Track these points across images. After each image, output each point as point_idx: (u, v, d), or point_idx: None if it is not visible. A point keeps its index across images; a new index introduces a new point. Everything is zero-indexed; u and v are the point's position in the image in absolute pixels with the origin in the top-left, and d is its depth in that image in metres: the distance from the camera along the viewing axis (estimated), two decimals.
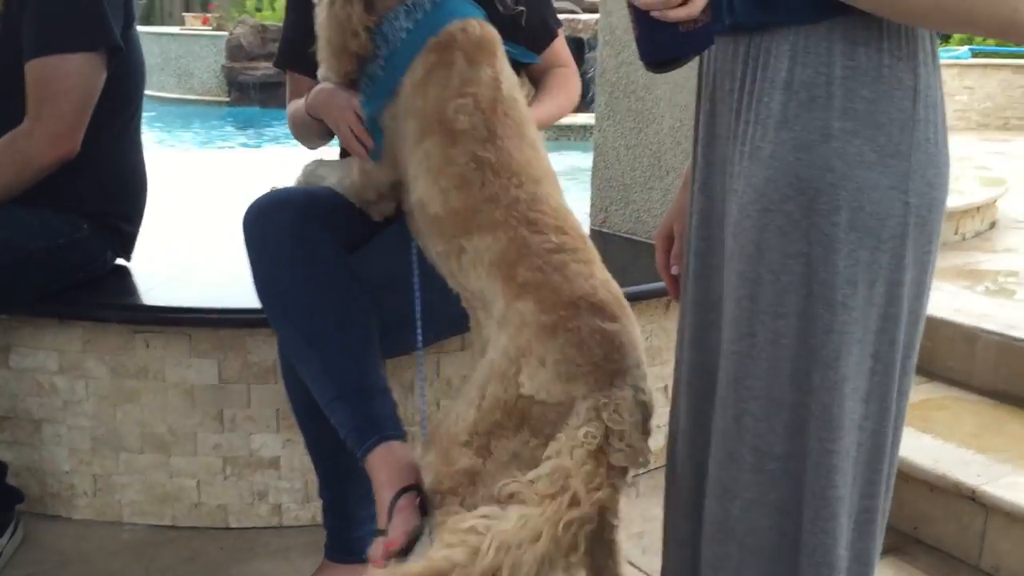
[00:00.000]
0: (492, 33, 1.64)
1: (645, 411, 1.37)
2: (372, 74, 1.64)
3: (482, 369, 1.41)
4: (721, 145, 1.19)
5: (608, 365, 1.33)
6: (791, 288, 1.09)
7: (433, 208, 1.52)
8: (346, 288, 1.67)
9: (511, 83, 1.61)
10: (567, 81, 2.06)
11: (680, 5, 1.01)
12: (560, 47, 2.09)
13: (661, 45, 1.06)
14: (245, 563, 2.06)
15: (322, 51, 1.67)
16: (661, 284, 2.52)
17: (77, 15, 1.98)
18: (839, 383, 1.08)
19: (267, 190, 1.87)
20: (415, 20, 1.60)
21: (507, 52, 1.68)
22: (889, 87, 1.06)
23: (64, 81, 1.96)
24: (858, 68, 1.06)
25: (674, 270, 1.42)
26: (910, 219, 1.08)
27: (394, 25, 1.61)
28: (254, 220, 1.72)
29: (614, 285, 1.46)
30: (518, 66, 1.76)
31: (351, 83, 1.69)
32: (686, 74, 2.72)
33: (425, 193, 1.53)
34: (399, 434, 1.62)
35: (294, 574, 2.01)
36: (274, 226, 1.69)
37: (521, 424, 1.34)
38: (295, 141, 2.02)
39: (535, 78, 2.03)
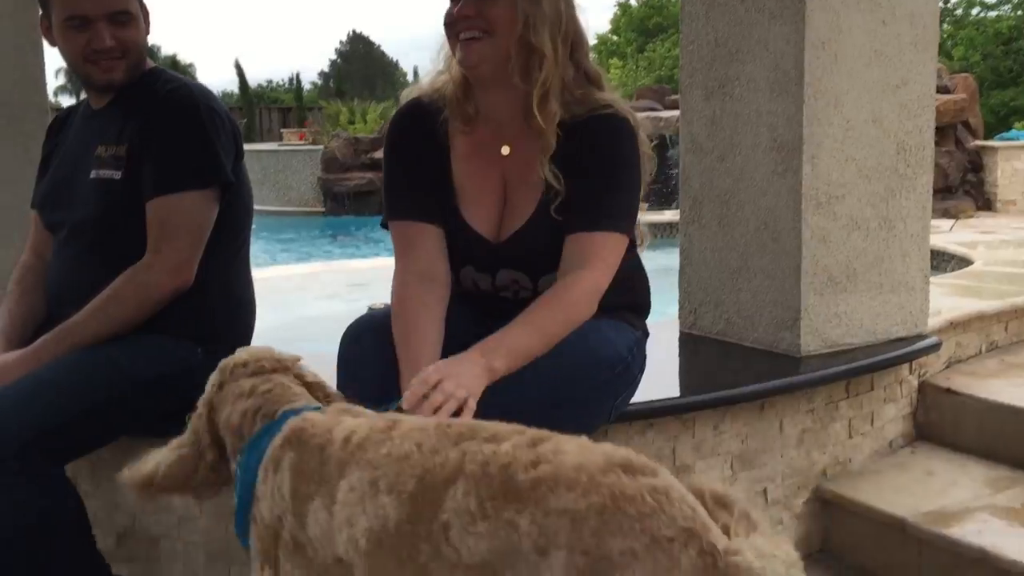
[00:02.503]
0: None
1: None
2: None
3: None
4: None
5: None
6: None
7: None
8: None
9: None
10: (567, 294, 1.82)
11: None
12: (600, 244, 1.86)
13: None
14: None
15: None
16: (754, 387, 2.55)
17: (193, 155, 2.14)
18: None
19: (363, 311, 1.97)
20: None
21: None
22: None
23: (181, 217, 2.12)
24: None
25: None
26: None
27: None
28: (344, 352, 1.84)
29: None
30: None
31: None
32: (769, 177, 2.78)
33: None
34: None
35: None
36: (360, 366, 1.76)
37: None
38: (388, 247, 2.06)
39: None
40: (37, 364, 2.02)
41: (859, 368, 2.73)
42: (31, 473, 1.89)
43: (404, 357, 1.79)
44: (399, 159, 2.03)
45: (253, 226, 2.45)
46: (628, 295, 2.06)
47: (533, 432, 1.30)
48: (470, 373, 1.64)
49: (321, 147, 13.89)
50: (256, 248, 2.55)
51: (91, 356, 2.04)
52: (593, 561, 1.12)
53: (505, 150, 1.95)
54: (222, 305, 2.28)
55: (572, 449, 1.24)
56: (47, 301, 2.25)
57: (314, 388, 1.67)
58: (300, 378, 1.66)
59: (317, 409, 1.56)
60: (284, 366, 1.66)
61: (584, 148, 1.88)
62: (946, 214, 7.91)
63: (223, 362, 1.68)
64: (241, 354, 1.70)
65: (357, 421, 1.45)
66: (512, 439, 1.28)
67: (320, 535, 1.40)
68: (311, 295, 4.67)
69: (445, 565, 1.25)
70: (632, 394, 2.08)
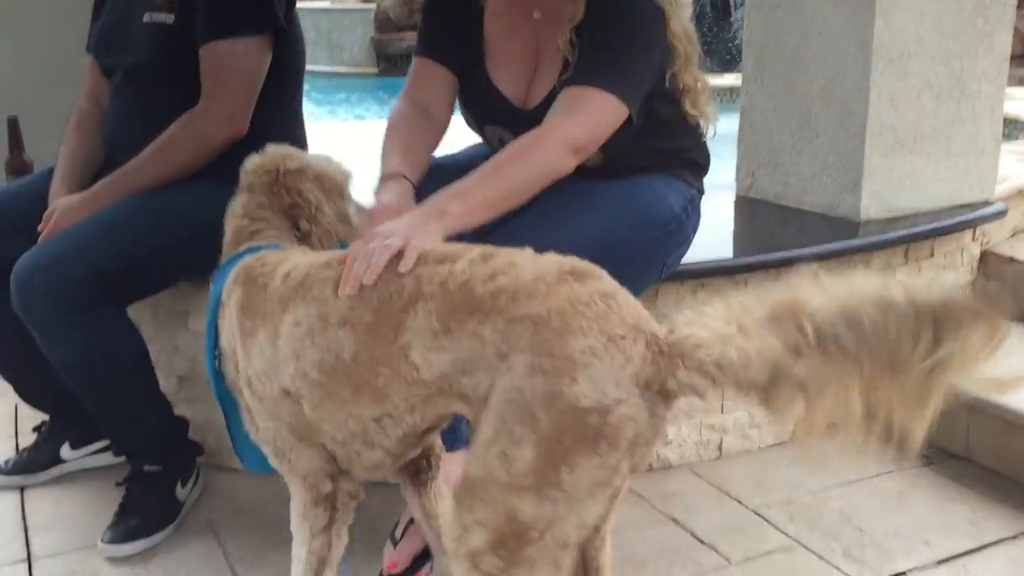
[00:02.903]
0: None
1: None
2: None
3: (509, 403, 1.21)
4: None
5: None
6: None
7: None
8: None
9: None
10: (538, 140, 1.67)
11: None
12: (589, 98, 1.72)
13: None
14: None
15: None
16: (809, 249, 2.51)
17: (244, 0, 2.11)
18: None
19: None
20: None
21: None
22: None
23: (235, 64, 2.09)
24: None
25: None
26: None
27: None
28: None
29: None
30: None
31: None
32: (839, 32, 2.66)
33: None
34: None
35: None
36: None
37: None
38: None
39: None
40: (97, 207, 2.05)
41: (919, 234, 2.67)
42: (94, 313, 1.95)
43: (384, 167, 1.80)
44: (433, 2, 2.03)
45: (306, 86, 2.42)
46: (685, 153, 2.02)
47: (480, 248, 1.33)
48: (415, 223, 1.48)
49: (374, 6, 13.61)
50: (307, 108, 2.54)
51: (150, 200, 2.07)
52: (557, 361, 1.17)
53: (536, 14, 1.90)
54: None
55: (524, 261, 1.28)
56: (104, 145, 2.27)
57: (303, 208, 1.70)
58: (298, 194, 1.70)
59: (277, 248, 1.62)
60: (288, 172, 1.72)
61: (604, 18, 1.79)
62: (1022, 82, 7.57)
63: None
64: (254, 158, 1.74)
65: (299, 259, 1.50)
66: (464, 256, 1.31)
67: (265, 368, 1.46)
68: (362, 153, 4.64)
69: (403, 383, 1.30)
70: (684, 253, 2.06)
